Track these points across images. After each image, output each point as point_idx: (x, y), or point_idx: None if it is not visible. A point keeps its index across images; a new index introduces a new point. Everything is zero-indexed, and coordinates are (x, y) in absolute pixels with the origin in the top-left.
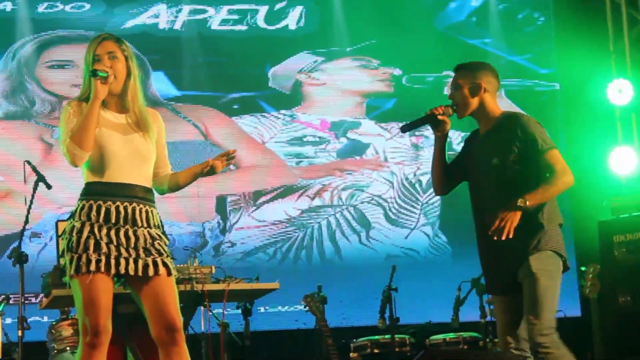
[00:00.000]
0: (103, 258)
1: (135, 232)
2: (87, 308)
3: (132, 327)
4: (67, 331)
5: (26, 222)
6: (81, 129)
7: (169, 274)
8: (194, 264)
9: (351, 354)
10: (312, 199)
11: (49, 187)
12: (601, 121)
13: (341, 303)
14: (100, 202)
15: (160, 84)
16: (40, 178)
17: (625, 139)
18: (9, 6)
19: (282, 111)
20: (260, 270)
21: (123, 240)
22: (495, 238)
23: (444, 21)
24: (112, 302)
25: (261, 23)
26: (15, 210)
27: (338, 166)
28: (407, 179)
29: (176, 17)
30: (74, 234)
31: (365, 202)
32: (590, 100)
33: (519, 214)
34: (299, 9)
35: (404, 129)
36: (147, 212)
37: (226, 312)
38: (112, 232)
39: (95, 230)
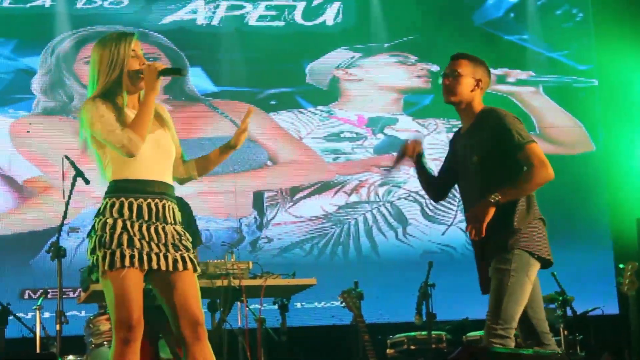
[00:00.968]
0: (136, 253)
1: (164, 229)
2: (121, 303)
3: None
4: (104, 326)
5: (64, 216)
6: (141, 120)
7: (195, 270)
8: (232, 260)
9: (388, 350)
10: (349, 195)
11: (87, 182)
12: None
13: (378, 299)
14: (132, 199)
15: (198, 79)
16: (79, 173)
17: None
18: (47, 2)
19: (319, 107)
20: (296, 266)
21: (154, 236)
22: (471, 237)
23: (482, 17)
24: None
25: (299, 19)
26: (53, 206)
27: (375, 162)
28: None
29: (214, 13)
30: (107, 230)
31: (402, 198)
32: (629, 96)
33: (491, 210)
34: (336, 5)
35: (386, 173)
36: (172, 208)
37: (263, 308)
38: (144, 228)
39: (128, 226)
